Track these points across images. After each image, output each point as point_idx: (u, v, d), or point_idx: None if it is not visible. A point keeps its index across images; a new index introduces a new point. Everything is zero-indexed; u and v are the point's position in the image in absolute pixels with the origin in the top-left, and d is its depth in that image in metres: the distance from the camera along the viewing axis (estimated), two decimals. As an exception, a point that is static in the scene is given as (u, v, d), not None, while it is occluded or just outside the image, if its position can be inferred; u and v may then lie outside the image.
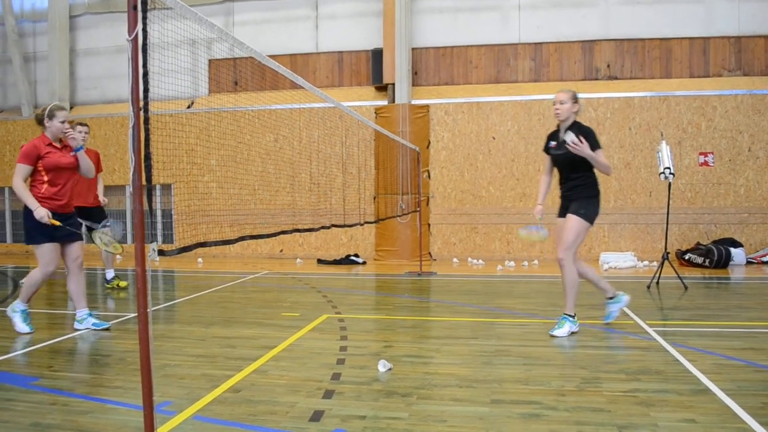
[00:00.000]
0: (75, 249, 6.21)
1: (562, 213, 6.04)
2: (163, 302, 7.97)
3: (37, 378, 4.51)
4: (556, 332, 5.82)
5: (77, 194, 6.74)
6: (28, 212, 5.77)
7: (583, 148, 5.53)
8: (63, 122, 5.90)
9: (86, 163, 6.14)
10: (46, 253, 5.85)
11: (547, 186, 6.34)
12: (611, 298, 6.33)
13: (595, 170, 5.87)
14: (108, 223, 7.14)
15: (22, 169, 5.76)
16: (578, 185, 5.91)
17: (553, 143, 6.06)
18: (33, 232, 5.82)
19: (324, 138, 12.87)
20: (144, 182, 2.72)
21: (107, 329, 6.21)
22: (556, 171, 6.17)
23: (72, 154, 6.03)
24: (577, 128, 5.78)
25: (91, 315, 6.29)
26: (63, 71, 15.40)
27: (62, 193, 5.96)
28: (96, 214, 8.28)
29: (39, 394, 4.12)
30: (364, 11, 14.17)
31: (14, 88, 16.19)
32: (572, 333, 5.85)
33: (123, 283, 9.15)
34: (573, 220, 5.82)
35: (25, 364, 4.97)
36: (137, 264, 2.71)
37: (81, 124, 7.90)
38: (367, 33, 14.12)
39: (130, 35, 2.55)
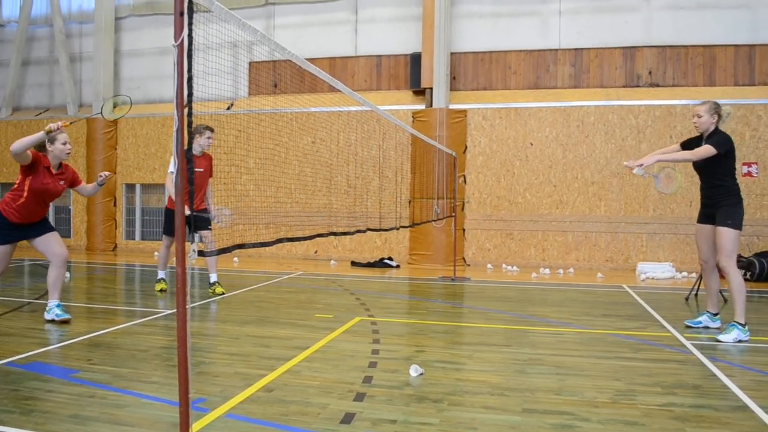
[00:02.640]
0: (53, 245, 6.39)
1: (702, 219, 6.32)
2: (199, 300, 8.09)
3: (76, 371, 4.62)
4: (722, 337, 5.85)
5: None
6: None
7: (649, 160, 6.06)
8: (65, 144, 6.09)
9: (95, 191, 6.58)
10: None
11: (669, 150, 6.57)
12: (742, 324, 5.98)
13: (735, 176, 6.15)
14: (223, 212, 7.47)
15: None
16: (718, 192, 6.11)
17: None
18: None
19: (361, 141, 12.93)
20: (186, 184, 2.78)
21: (67, 321, 6.32)
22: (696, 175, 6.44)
23: (97, 184, 6.46)
24: (715, 136, 6.05)
25: (58, 306, 6.41)
26: (107, 71, 15.75)
27: (35, 211, 6.17)
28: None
29: (78, 387, 4.22)
30: (403, 16, 14.21)
31: (60, 88, 16.64)
32: (739, 341, 5.83)
33: (219, 290, 8.47)
34: (724, 232, 5.99)
35: (65, 356, 5.09)
36: (178, 264, 2.77)
37: (208, 128, 8.16)
38: (406, 37, 14.15)
39: (176, 41, 2.61)
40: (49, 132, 5.73)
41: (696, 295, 8.72)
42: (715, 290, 6.53)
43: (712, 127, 6.12)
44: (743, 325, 5.86)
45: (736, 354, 5.41)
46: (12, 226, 6.06)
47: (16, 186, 6.07)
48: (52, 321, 6.30)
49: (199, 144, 8.13)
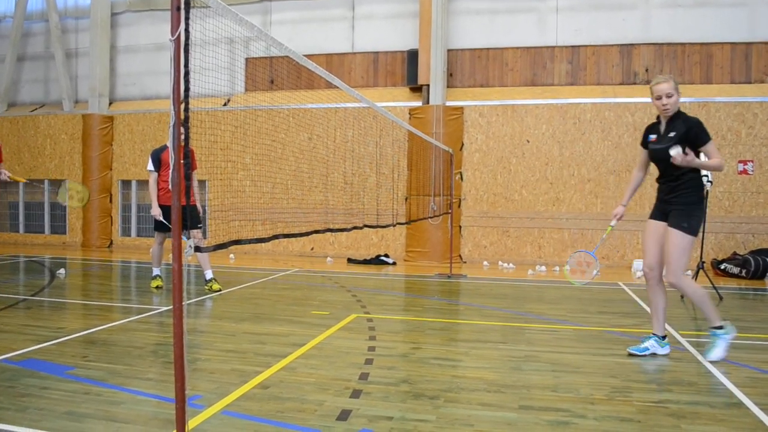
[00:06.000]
0: None
1: (656, 215, 5.32)
2: (195, 297, 8.08)
3: (72, 367, 4.61)
4: (710, 356, 5.14)
5: None
6: None
7: (690, 162, 4.90)
8: None
9: None
10: None
11: (637, 183, 5.57)
12: (718, 328, 5.32)
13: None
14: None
15: None
16: (679, 188, 5.14)
17: (653, 137, 5.28)
18: None
19: (358, 138, 12.92)
20: (183, 179, 2.77)
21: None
22: (653, 168, 5.42)
23: None
24: (683, 122, 5.07)
25: None
26: (103, 67, 15.70)
27: None
28: None
29: (73, 383, 4.21)
30: (400, 12, 14.19)
31: (56, 84, 16.58)
32: (728, 344, 5.20)
33: (216, 286, 8.52)
34: (675, 237, 5.05)
35: (61, 353, 5.08)
36: (174, 260, 2.76)
37: None
38: (402, 34, 14.13)
39: (173, 35, 2.60)
40: None
41: (692, 292, 8.72)
42: (662, 307, 5.36)
43: (677, 107, 5.13)
44: (720, 327, 5.20)
45: (732, 351, 5.42)
46: None
47: None
48: None
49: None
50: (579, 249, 5.65)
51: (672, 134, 5.09)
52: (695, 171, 5.11)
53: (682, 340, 5.88)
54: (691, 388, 4.34)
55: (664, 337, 5.37)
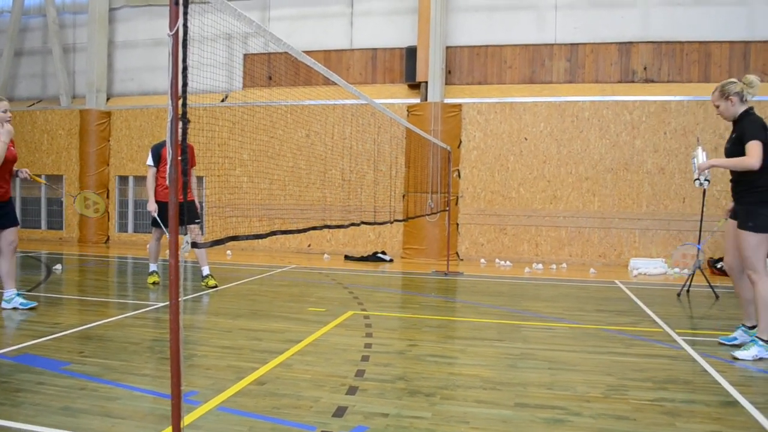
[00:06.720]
0: (9, 233, 6.50)
1: (733, 215, 5.49)
2: (192, 293, 8.07)
3: (67, 363, 4.60)
4: (739, 354, 5.15)
5: None
6: None
7: (713, 164, 5.50)
8: (5, 111, 6.46)
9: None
10: None
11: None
12: (751, 328, 5.50)
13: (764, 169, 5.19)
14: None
15: None
16: (741, 188, 5.31)
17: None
18: None
19: (355, 135, 12.90)
20: (180, 175, 2.76)
21: (33, 308, 6.53)
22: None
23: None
24: (741, 122, 5.28)
25: (18, 295, 6.57)
26: (101, 63, 15.66)
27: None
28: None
29: (69, 379, 4.21)
30: (399, 9, 14.17)
31: (53, 79, 16.53)
32: (760, 359, 5.10)
33: (212, 283, 8.50)
34: (743, 236, 5.19)
35: (56, 349, 5.07)
36: (171, 256, 2.75)
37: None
38: (401, 30, 14.12)
39: (171, 30, 2.59)
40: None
41: (688, 291, 8.75)
42: (748, 299, 5.45)
43: (740, 110, 5.31)
44: (767, 342, 5.14)
45: (728, 350, 5.43)
46: None
47: None
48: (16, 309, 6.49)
49: None
50: (688, 243, 6.47)
51: (733, 135, 5.35)
52: (755, 172, 5.12)
53: (679, 339, 5.90)
54: (687, 387, 4.35)
55: (753, 327, 5.45)
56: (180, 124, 2.69)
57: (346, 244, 14.14)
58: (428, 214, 12.36)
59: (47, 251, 13.07)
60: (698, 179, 7.56)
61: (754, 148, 5.06)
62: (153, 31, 15.75)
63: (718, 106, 5.42)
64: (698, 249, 6.36)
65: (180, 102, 2.70)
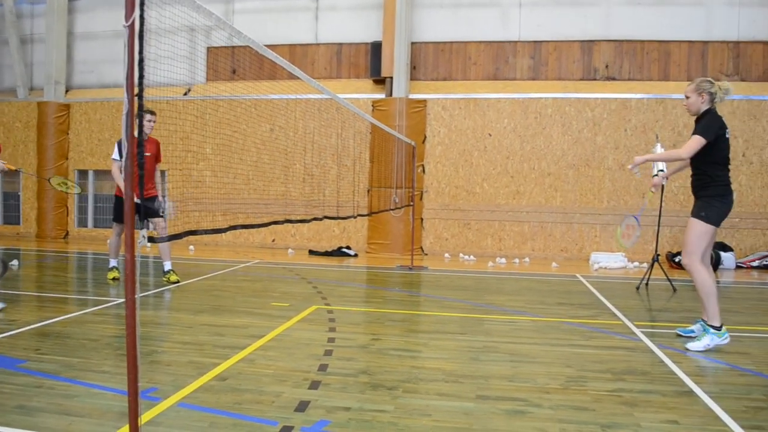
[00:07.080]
0: None
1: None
2: (153, 288, 7.96)
3: (24, 360, 4.50)
4: (691, 346, 5.26)
5: None
6: None
7: (645, 159, 5.66)
8: None
9: None
10: None
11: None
12: (714, 328, 5.40)
13: (724, 165, 5.43)
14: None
15: None
16: (697, 182, 5.52)
17: None
18: None
19: (320, 129, 12.86)
20: (136, 169, 2.72)
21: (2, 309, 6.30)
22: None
23: None
24: (702, 120, 5.42)
25: None
26: (60, 54, 15.30)
27: None
28: None
29: (25, 377, 4.12)
30: (364, 4, 14.14)
31: (10, 70, 16.09)
32: (712, 348, 5.24)
33: (174, 278, 8.38)
34: (692, 223, 5.40)
35: (12, 346, 4.96)
36: (127, 250, 2.71)
37: (149, 111, 7.62)
38: (366, 26, 14.09)
39: (127, 21, 2.54)
40: None
41: (647, 284, 8.94)
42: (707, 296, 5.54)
43: (704, 107, 5.43)
44: (718, 328, 5.31)
45: (683, 341, 5.56)
46: None
47: None
48: None
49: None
50: (628, 214, 7.03)
51: (693, 132, 5.46)
52: (710, 166, 5.38)
53: (637, 331, 6.02)
54: (644, 378, 4.44)
55: (719, 327, 5.44)
56: (136, 118, 2.64)
57: (311, 239, 14.09)
58: (393, 209, 12.39)
59: (3, 246, 12.75)
60: (656, 175, 7.84)
61: (692, 141, 5.31)
62: (113, 23, 15.40)
63: (688, 97, 5.53)
64: (635, 219, 7.49)
65: (136, 95, 2.65)
